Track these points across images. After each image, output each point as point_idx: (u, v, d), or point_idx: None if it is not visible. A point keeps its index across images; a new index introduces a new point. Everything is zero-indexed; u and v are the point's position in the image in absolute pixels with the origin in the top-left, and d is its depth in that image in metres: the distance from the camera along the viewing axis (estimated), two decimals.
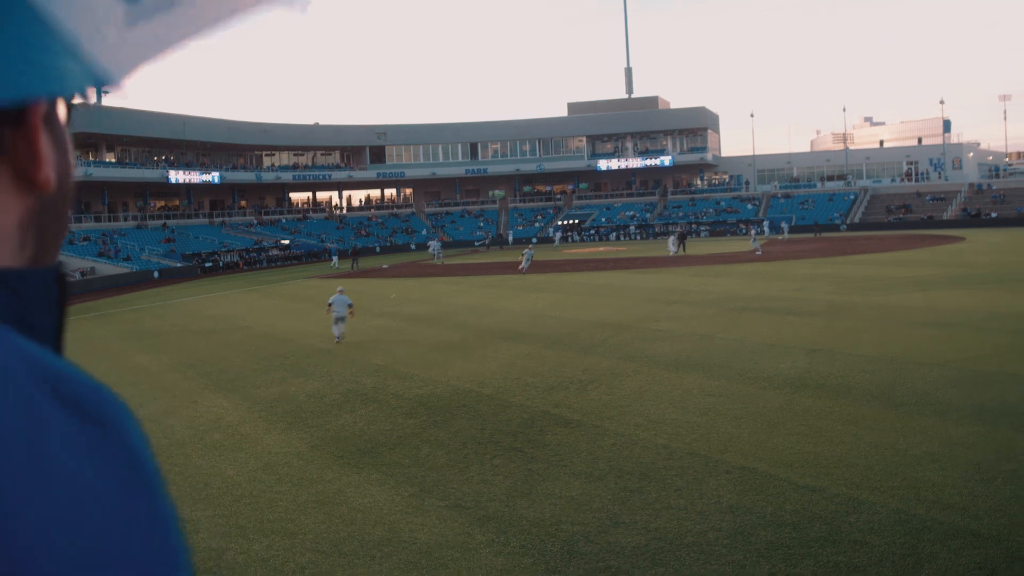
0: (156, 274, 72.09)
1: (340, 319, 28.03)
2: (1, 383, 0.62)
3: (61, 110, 0.85)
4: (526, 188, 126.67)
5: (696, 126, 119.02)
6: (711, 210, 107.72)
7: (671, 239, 69.01)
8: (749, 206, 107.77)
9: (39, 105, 0.79)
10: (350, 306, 28.13)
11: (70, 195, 0.88)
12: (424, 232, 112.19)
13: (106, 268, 70.53)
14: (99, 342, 32.72)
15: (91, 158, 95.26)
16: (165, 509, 0.69)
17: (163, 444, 16.07)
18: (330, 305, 28.29)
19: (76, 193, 0.85)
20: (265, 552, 10.56)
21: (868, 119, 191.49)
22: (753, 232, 73.14)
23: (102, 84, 0.74)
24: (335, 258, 79.53)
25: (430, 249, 79.36)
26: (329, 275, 64.78)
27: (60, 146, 0.85)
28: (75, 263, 69.56)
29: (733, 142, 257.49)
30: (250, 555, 10.50)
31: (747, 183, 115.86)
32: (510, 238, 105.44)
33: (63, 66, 0.72)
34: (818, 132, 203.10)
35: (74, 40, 0.73)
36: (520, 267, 54.20)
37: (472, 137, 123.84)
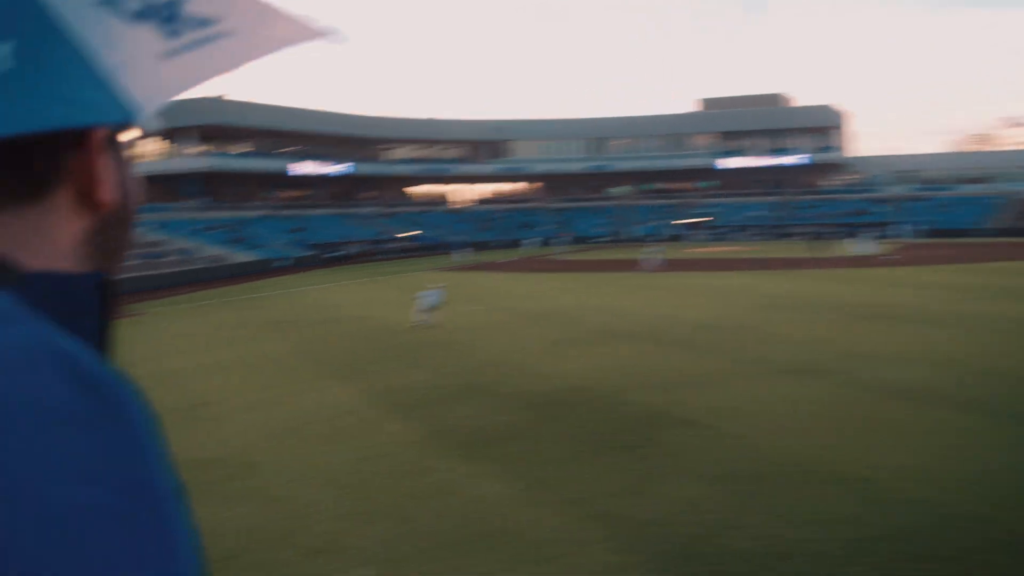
0: (284, 262, 73.64)
1: (426, 308, 31.51)
2: (22, 357, 0.65)
3: (125, 132, 0.88)
4: (650, 185, 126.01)
5: (824, 124, 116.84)
6: (839, 212, 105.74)
7: (859, 240, 68.15)
8: (879, 208, 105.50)
9: (99, 130, 0.82)
10: (439, 303, 31.95)
11: (132, 214, 0.92)
12: (544, 227, 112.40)
13: (236, 256, 72.32)
14: (227, 327, 33.62)
15: (221, 150, 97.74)
16: (159, 483, 0.70)
17: (283, 429, 16.48)
18: (422, 297, 31.85)
19: (137, 209, 0.90)
20: (381, 537, 10.78)
21: (1011, 120, 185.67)
22: (866, 236, 71.54)
23: (131, 117, 0.77)
24: (454, 251, 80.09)
25: (523, 244, 79.03)
26: (447, 267, 65.34)
27: (121, 167, 0.88)
28: (206, 250, 71.51)
29: (864, 142, 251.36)
30: (367, 539, 10.73)
31: (878, 184, 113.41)
32: (632, 235, 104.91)
33: (94, 98, 0.74)
34: (955, 133, 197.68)
35: (110, 72, 0.76)
36: (647, 265, 53.44)
37: (596, 133, 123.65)
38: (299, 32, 0.88)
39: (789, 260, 60.98)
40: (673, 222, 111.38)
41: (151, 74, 0.81)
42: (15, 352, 0.65)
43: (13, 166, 0.76)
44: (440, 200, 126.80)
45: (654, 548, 10.16)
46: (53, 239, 0.80)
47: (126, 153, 0.89)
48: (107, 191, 0.84)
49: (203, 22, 0.86)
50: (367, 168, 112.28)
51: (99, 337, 0.86)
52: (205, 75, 0.86)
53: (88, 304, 0.85)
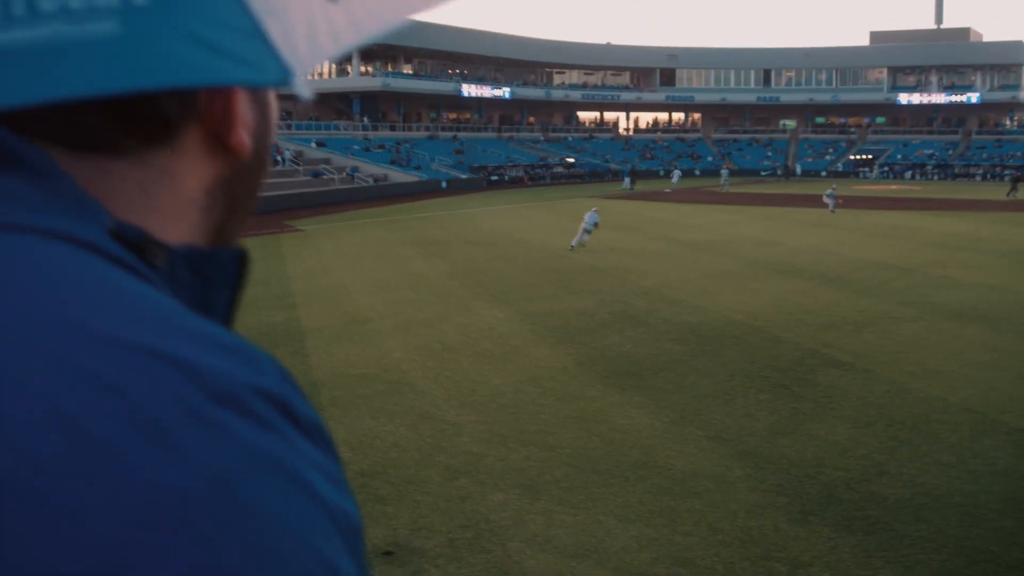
0: (444, 184, 74.37)
1: (587, 231, 32.10)
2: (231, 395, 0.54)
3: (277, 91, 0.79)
4: (819, 119, 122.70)
5: (1010, 62, 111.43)
6: (1019, 153, 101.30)
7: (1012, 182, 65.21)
8: None
9: None
10: (596, 225, 32.25)
11: (266, 164, 0.84)
12: (710, 158, 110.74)
13: (398, 176, 73.33)
14: (386, 246, 34.17)
15: (389, 69, 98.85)
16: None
17: (436, 348, 16.70)
18: (587, 221, 32.25)
19: (271, 161, 0.79)
20: (523, 462, 10.85)
21: None
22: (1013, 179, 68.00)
23: (286, 78, 0.65)
24: (627, 179, 79.30)
25: (721, 179, 77.79)
26: (616, 195, 65.05)
27: (262, 110, 0.79)
28: (369, 169, 72.67)
29: None
30: (508, 463, 10.82)
31: None
32: (798, 170, 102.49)
33: (241, 50, 0.63)
34: None
35: (261, 16, 0.64)
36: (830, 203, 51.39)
37: (765, 64, 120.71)
38: None
39: (960, 201, 58.75)
40: (843, 158, 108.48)
41: (316, 20, 0.70)
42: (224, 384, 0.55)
43: (138, 103, 0.65)
44: (606, 127, 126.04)
45: (798, 489, 9.97)
46: (178, 190, 0.70)
47: (267, 93, 0.80)
48: (243, 134, 0.74)
49: None
50: (533, 92, 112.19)
51: (228, 312, 0.79)
52: (387, 17, 0.75)
53: (226, 281, 0.78)
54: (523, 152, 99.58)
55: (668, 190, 73.69)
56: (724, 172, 78.50)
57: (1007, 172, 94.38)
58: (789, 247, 32.73)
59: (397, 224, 43.99)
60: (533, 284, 24.21)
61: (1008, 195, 62.74)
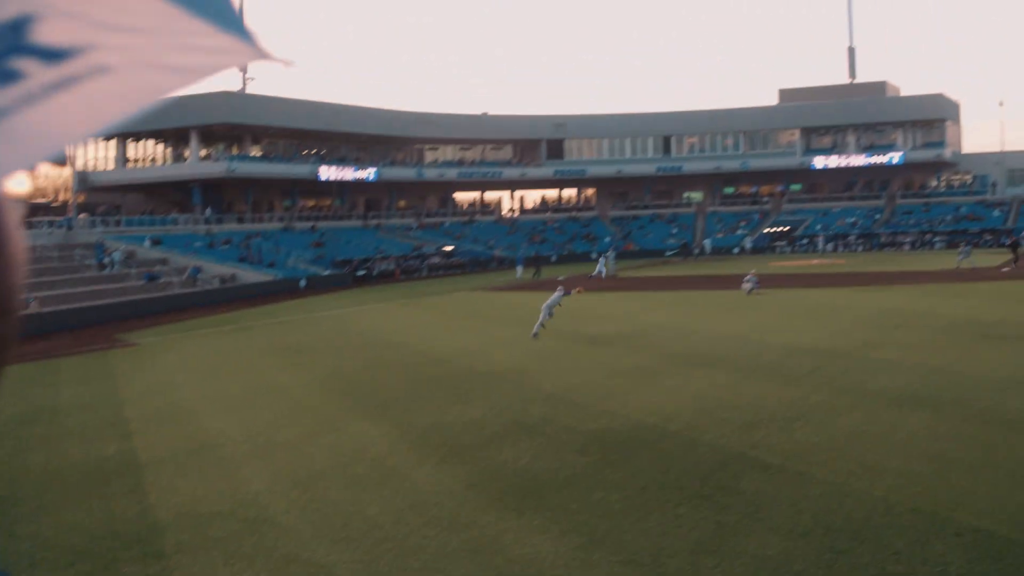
0: (303, 282, 73.93)
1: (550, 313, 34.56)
2: None
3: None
4: (727, 189, 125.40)
5: (932, 117, 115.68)
6: (949, 217, 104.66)
7: (961, 250, 66.75)
8: (996, 212, 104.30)
9: None
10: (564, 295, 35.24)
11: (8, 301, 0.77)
12: (608, 239, 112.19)
13: (249, 275, 72.71)
14: (238, 357, 33.68)
15: (234, 152, 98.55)
16: None
17: (301, 475, 16.38)
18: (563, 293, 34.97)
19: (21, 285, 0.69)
20: None
21: None
22: (963, 247, 70.49)
23: None
24: (520, 267, 79.39)
25: (604, 260, 77.23)
26: (503, 287, 65.29)
27: None
28: (215, 269, 71.96)
29: (977, 137, 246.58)
30: None
31: (994, 185, 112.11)
32: (707, 247, 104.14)
33: None
34: None
35: None
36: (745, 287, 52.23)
37: (665, 129, 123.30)
38: (227, 53, 0.71)
39: (895, 274, 60.32)
40: (757, 231, 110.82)
41: None
42: None
43: None
44: (488, 208, 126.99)
45: None
46: None
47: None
48: None
49: (58, 54, 0.68)
50: (402, 172, 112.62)
51: None
52: (69, 134, 0.70)
53: None
54: (393, 241, 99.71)
55: (561, 278, 74.31)
56: (608, 256, 76.55)
57: (938, 239, 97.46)
58: (707, 335, 33.13)
59: (250, 331, 43.45)
60: (413, 393, 24.02)
61: (1012, 264, 63.19)
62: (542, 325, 34.31)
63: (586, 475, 15.54)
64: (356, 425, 20.44)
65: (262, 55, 0.80)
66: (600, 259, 74.43)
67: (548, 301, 34.74)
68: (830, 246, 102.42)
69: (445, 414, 21.12)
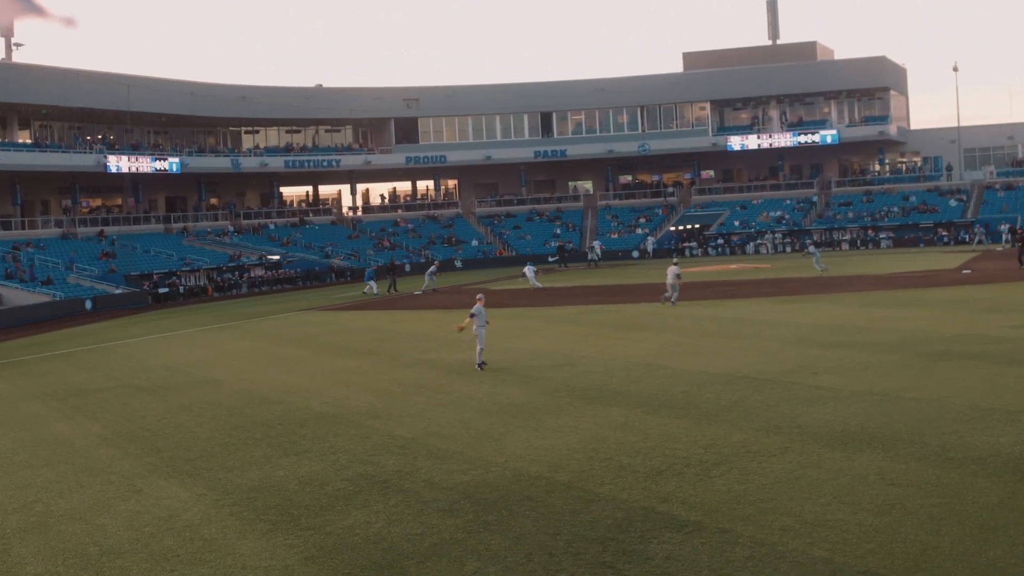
0: (88, 304, 72.91)
1: (481, 337, 33.46)
2: None
3: None
4: (624, 178, 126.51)
5: (873, 85, 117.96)
6: (896, 208, 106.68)
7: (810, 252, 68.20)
8: (952, 202, 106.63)
9: None
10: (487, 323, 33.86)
11: None
12: (475, 242, 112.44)
13: (17, 295, 71.44)
14: (3, 403, 32.97)
15: None
16: None
17: (91, 553, 16.06)
18: (472, 316, 33.50)
19: None
20: None
21: None
22: (810, 246, 72.26)
23: None
24: (372, 282, 77.65)
25: (427, 274, 77.01)
26: (345, 305, 64.95)
27: None
28: None
29: (927, 111, 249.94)
30: None
31: (949, 169, 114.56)
32: (598, 251, 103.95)
33: None
34: None
35: None
36: (665, 295, 52.82)
37: (545, 104, 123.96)
38: None
39: (829, 280, 61.20)
40: (661, 230, 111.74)
41: None
42: None
43: None
44: (324, 206, 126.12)
45: None
46: None
47: None
48: None
49: None
50: (213, 162, 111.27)
51: None
52: None
53: None
54: (204, 250, 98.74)
55: (418, 292, 74.22)
56: (429, 273, 76.44)
57: (884, 235, 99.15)
58: (599, 361, 33.28)
59: (19, 368, 42.62)
60: (233, 444, 23.74)
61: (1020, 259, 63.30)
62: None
63: (456, 542, 15.47)
64: (161, 487, 20.13)
65: (32, 9, 0.79)
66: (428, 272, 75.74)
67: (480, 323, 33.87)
68: (751, 247, 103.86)
69: (274, 469, 20.90)
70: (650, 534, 15.24)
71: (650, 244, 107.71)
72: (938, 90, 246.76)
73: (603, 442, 21.41)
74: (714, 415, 23.53)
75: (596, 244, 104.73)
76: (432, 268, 77.65)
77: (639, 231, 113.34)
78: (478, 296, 34.99)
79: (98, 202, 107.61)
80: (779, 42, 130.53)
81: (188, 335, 52.31)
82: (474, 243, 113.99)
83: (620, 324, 44.08)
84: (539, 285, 69.01)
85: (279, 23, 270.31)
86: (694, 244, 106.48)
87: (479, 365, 33.27)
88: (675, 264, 52.16)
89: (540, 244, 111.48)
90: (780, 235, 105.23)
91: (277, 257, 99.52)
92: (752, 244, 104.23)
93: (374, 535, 16.10)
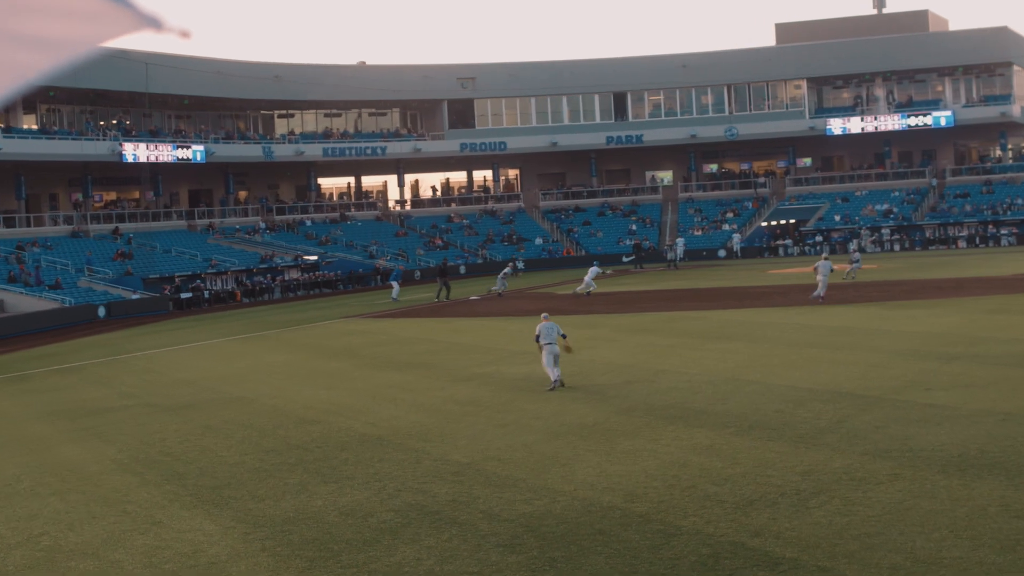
0: (102, 311, 73.31)
1: (555, 355, 32.43)
2: None
3: None
4: (709, 167, 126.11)
5: (993, 60, 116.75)
6: (1020, 201, 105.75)
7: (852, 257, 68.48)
8: None
9: None
10: (563, 336, 32.96)
11: None
12: (540, 240, 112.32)
13: (22, 301, 71.89)
14: (7, 423, 33.20)
15: None
16: None
17: None
18: (538, 338, 32.83)
19: None
20: None
21: None
22: (852, 249, 71.98)
23: None
24: (396, 284, 77.81)
25: (500, 276, 76.22)
26: (385, 313, 65.12)
27: None
28: None
29: None
30: None
31: None
32: (679, 250, 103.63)
33: None
34: None
35: None
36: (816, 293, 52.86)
37: (618, 83, 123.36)
38: (103, 21, 0.79)
39: (947, 282, 60.83)
40: (751, 226, 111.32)
41: None
42: None
43: None
44: (368, 200, 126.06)
45: None
46: None
47: None
48: None
49: None
50: (243, 150, 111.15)
51: None
52: None
53: None
54: (232, 250, 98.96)
55: (475, 297, 74.16)
56: (503, 274, 75.35)
57: (1006, 231, 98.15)
58: (682, 376, 33.17)
59: (24, 384, 42.90)
60: (265, 471, 23.80)
61: None
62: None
63: None
64: (184, 519, 20.20)
65: (151, 23, 0.84)
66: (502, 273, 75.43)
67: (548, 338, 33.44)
68: (854, 244, 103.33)
69: (312, 499, 20.94)
70: (739, 573, 15.17)
71: (736, 242, 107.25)
72: None
73: (686, 468, 21.35)
74: (812, 437, 23.42)
75: (679, 242, 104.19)
76: (507, 269, 77.22)
77: (725, 227, 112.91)
78: (543, 315, 34.39)
79: (113, 196, 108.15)
80: (885, 11, 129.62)
81: (214, 346, 52.51)
82: (538, 241, 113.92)
83: (705, 333, 43.93)
84: (583, 292, 67.77)
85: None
86: (788, 242, 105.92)
87: (556, 385, 32.31)
88: (826, 259, 53.29)
89: (613, 242, 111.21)
90: (887, 232, 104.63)
91: (315, 257, 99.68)
92: (856, 241, 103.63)
93: (425, 573, 16.11)
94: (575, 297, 66.26)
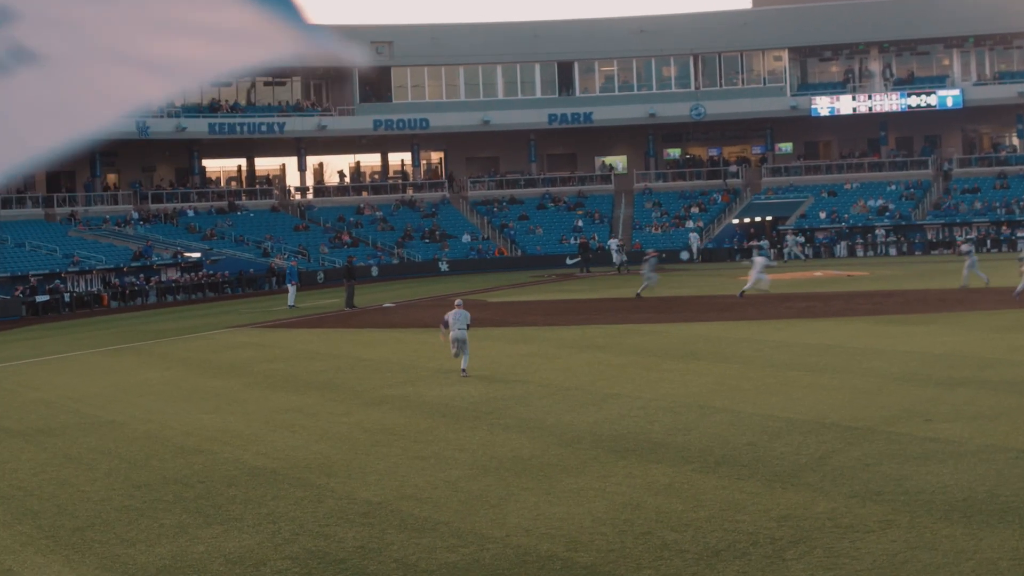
0: None
1: (462, 341, 39.09)
2: None
3: None
4: (670, 152, 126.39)
5: (1010, 30, 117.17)
6: None
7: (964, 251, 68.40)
8: None
9: None
10: (469, 326, 39.85)
11: None
12: (466, 238, 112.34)
13: None
14: None
15: None
16: None
17: None
18: (446, 325, 39.81)
19: None
20: None
21: None
22: (962, 245, 72.14)
23: None
24: (292, 287, 77.28)
25: (647, 269, 74.79)
26: (281, 322, 65.06)
27: None
28: None
29: None
30: None
31: None
32: (618, 250, 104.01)
33: None
34: None
35: None
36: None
37: (563, 50, 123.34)
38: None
39: (951, 294, 61.16)
40: (719, 224, 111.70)
41: None
42: None
43: None
44: (263, 186, 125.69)
45: None
46: None
47: None
48: None
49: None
50: (114, 126, 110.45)
51: None
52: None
53: None
54: (99, 245, 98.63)
55: (389, 304, 74.21)
56: (648, 267, 74.79)
57: (1022, 233, 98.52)
58: (636, 401, 33.30)
59: None
60: (137, 509, 23.75)
61: None
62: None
63: None
64: (39, 565, 20.18)
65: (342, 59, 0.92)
66: None
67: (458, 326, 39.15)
68: (843, 247, 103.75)
69: (192, 543, 20.91)
70: None
71: (694, 242, 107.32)
72: None
73: (640, 511, 21.44)
74: (791, 476, 23.56)
75: (612, 243, 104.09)
76: (651, 260, 74.75)
77: (690, 223, 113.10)
78: (456, 302, 39.41)
79: None
80: None
81: (77, 359, 52.35)
82: (465, 238, 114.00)
83: (664, 351, 44.10)
84: (763, 290, 64.67)
85: None
86: (764, 243, 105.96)
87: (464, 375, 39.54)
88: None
89: (555, 240, 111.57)
90: (882, 233, 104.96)
91: (198, 255, 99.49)
92: (844, 244, 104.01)
93: None
94: (742, 297, 63.63)
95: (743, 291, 62.01)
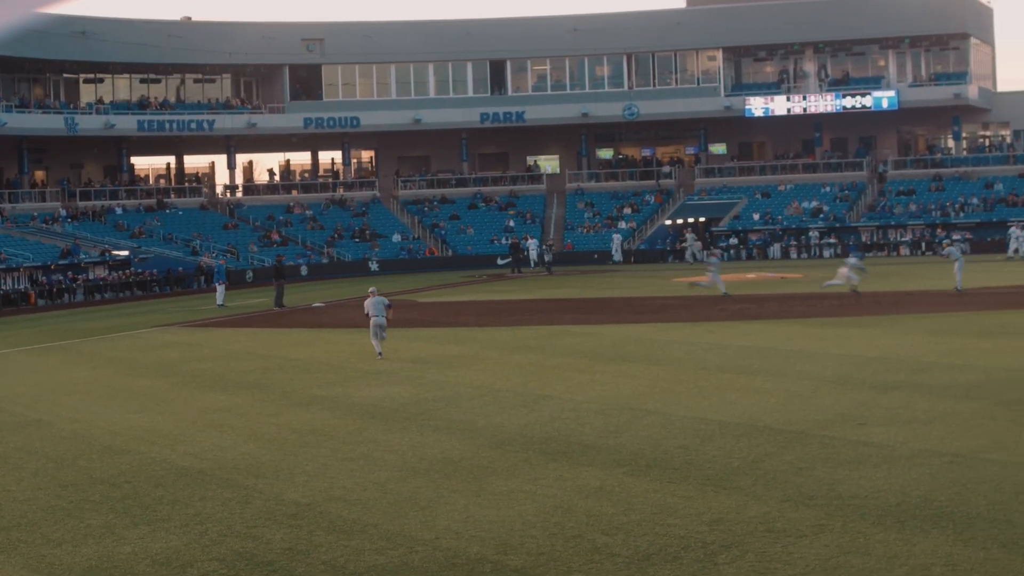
0: None
1: (380, 327, 43.61)
2: None
3: None
4: (602, 152, 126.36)
5: (947, 31, 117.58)
6: (976, 200, 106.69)
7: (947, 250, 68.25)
8: None
9: None
10: (388, 307, 44.42)
11: None
12: (396, 237, 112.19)
13: None
14: None
15: None
16: None
17: None
18: (367, 313, 43.99)
19: None
20: None
21: None
22: (947, 246, 72.07)
23: None
24: (221, 286, 77.27)
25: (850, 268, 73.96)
26: (209, 321, 64.83)
27: None
28: None
29: (1020, 65, 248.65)
30: None
31: None
32: (534, 252, 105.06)
33: None
34: None
35: None
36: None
37: (495, 49, 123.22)
38: None
39: (886, 296, 61.35)
40: (652, 224, 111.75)
41: None
42: None
43: None
44: (192, 184, 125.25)
45: None
46: None
47: None
48: None
49: None
50: (39, 122, 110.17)
51: None
52: None
53: None
54: (26, 242, 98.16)
55: (319, 304, 74.06)
56: (852, 265, 74.03)
57: (958, 235, 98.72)
58: (567, 403, 33.32)
59: None
60: (63, 509, 23.62)
61: None
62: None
63: None
64: None
65: None
66: None
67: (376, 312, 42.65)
68: (776, 249, 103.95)
69: (119, 544, 20.79)
70: None
71: (617, 244, 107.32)
72: None
73: (570, 514, 21.41)
74: (723, 480, 23.58)
75: (531, 243, 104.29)
76: (853, 260, 72.62)
77: (622, 224, 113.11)
78: (371, 290, 43.08)
79: None
80: None
81: (2, 358, 52.15)
82: (396, 238, 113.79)
83: (596, 353, 44.11)
84: (852, 288, 63.90)
85: None
86: (696, 245, 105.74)
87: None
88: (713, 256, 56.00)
89: (486, 240, 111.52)
90: (816, 235, 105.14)
91: (126, 253, 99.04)
92: (778, 246, 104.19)
93: None
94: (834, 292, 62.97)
95: (826, 284, 65.78)
